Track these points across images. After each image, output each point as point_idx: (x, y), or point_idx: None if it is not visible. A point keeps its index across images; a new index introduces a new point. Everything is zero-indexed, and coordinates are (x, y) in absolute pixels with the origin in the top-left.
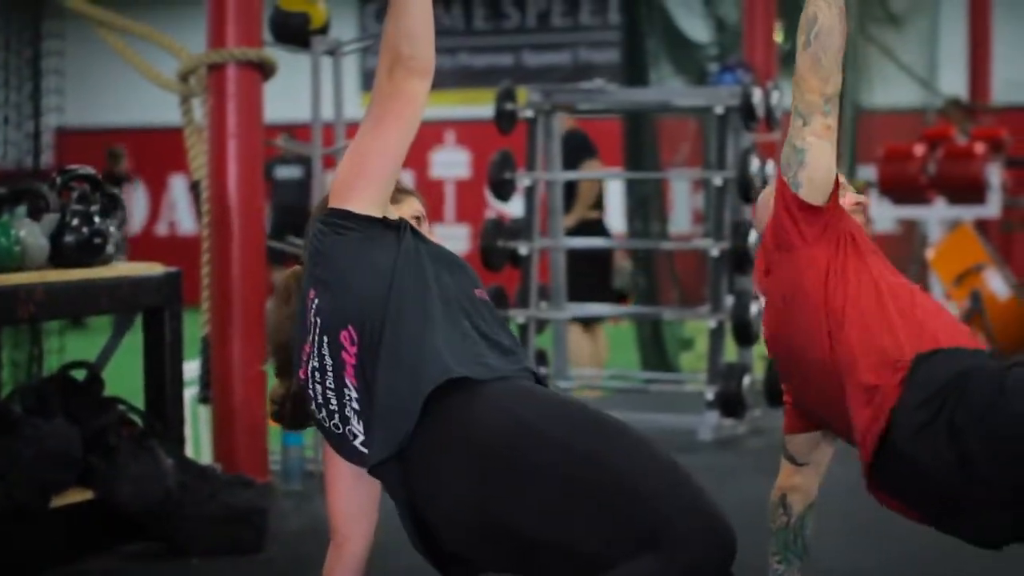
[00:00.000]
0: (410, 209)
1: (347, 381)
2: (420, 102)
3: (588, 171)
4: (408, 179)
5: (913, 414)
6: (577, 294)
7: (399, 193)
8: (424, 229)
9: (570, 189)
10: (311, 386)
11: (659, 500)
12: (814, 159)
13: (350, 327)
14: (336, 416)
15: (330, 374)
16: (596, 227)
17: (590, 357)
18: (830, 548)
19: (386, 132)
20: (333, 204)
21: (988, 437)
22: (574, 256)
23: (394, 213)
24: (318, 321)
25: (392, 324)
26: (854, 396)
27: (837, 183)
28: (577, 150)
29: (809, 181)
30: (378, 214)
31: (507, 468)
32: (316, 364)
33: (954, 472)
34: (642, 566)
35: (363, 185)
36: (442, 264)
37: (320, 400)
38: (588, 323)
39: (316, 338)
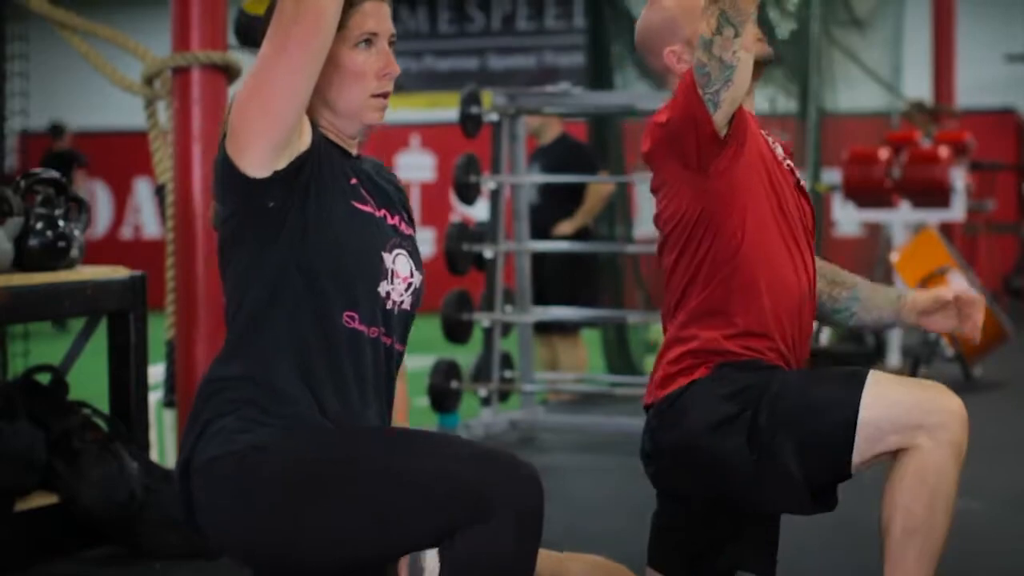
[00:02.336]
0: (357, 30)
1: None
2: (329, 25)
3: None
4: None
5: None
6: (563, 298)
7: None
8: (380, 47)
9: (572, 195)
10: None
11: (460, 483)
12: (741, 77)
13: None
14: None
15: None
16: (590, 234)
17: (572, 366)
18: (810, 550)
19: (292, 64)
20: (229, 149)
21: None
22: (560, 261)
23: (305, 138)
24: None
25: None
26: (671, 344)
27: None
28: (583, 158)
29: (731, 102)
30: (273, 169)
31: (289, 507)
32: None
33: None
34: (471, 542)
35: (264, 130)
36: (325, 273)
37: None
38: (567, 330)
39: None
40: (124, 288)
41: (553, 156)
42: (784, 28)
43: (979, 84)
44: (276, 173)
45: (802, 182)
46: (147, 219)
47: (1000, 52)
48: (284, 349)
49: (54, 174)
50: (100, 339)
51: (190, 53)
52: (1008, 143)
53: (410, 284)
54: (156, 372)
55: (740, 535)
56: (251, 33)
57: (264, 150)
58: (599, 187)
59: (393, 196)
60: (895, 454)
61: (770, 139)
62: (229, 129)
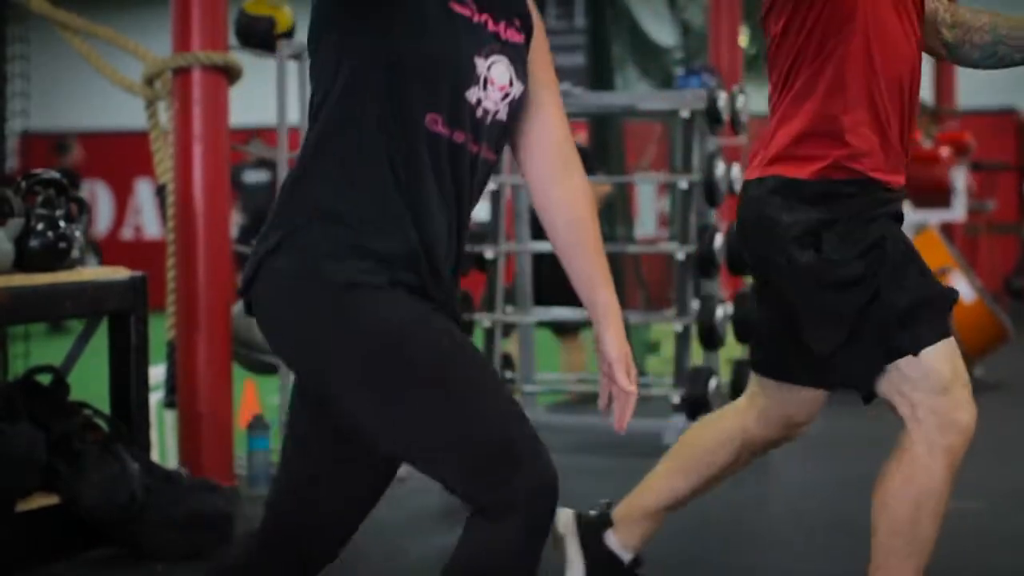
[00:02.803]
0: None
1: None
2: None
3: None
4: None
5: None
6: (563, 299)
7: None
8: None
9: None
10: None
11: (493, 443)
12: None
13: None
14: None
15: None
16: None
17: (570, 366)
18: (812, 549)
19: None
20: None
21: None
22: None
23: None
24: None
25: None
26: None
27: None
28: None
29: None
30: None
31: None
32: None
33: None
34: (485, 533)
35: None
36: (411, 63)
37: None
38: (565, 331)
39: None
40: (125, 289)
41: None
42: None
43: (980, 84)
44: None
45: None
46: (148, 220)
47: None
48: (365, 151)
49: (55, 175)
50: (101, 340)
51: (191, 54)
52: (1009, 143)
53: (507, 94)
54: (157, 373)
55: None
56: (252, 33)
57: None
58: (596, 188)
59: (501, 2)
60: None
61: None
62: None
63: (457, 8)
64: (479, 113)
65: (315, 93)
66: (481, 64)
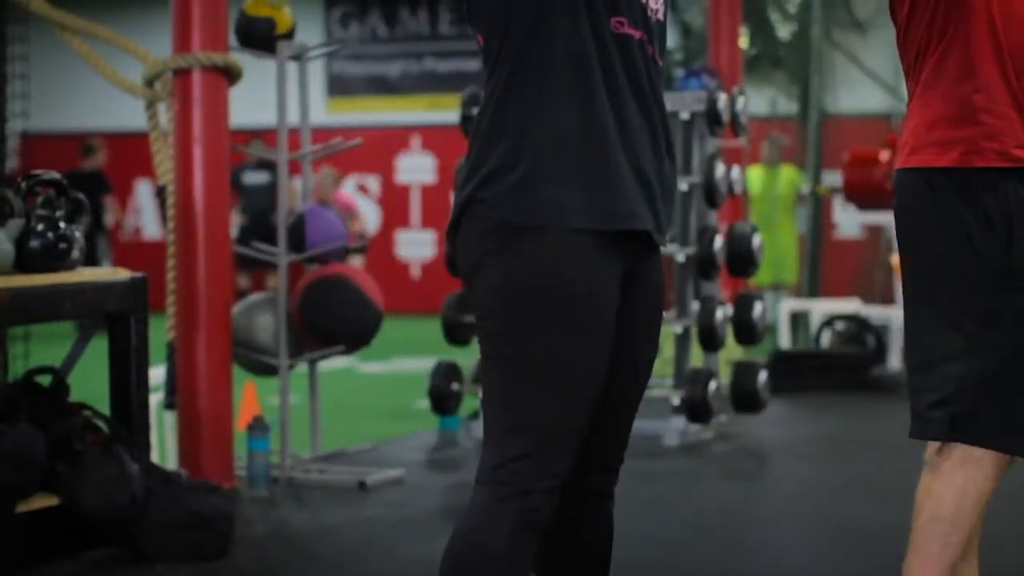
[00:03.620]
0: None
1: None
2: None
3: None
4: (374, 185)
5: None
6: None
7: None
8: None
9: None
10: None
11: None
12: None
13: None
14: None
15: None
16: None
17: None
18: (811, 551)
19: None
20: None
21: None
22: None
23: None
24: None
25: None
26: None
27: None
28: None
29: None
30: None
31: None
32: None
33: None
34: (473, 532)
35: None
36: None
37: None
38: None
39: None
40: (125, 290)
41: None
42: (785, 31)
43: None
44: None
45: None
46: (148, 220)
47: None
48: (557, 69)
49: (55, 175)
50: (101, 341)
51: (191, 54)
52: None
53: None
54: (157, 374)
55: None
56: (252, 34)
57: None
58: None
59: None
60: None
61: None
62: None
63: None
64: (649, 12)
65: (490, 31)
66: None
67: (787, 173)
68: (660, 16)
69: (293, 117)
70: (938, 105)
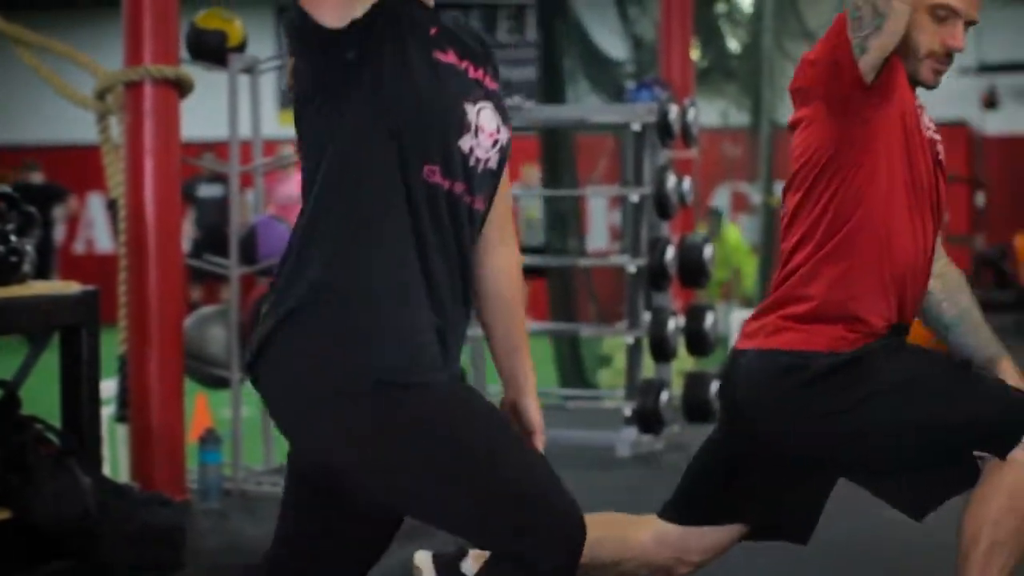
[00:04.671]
0: None
1: None
2: None
3: None
4: None
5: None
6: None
7: None
8: None
9: None
10: None
11: (525, 501)
12: (892, 27)
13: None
14: None
15: None
16: None
17: None
18: (758, 563)
19: None
20: (304, 2)
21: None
22: None
23: None
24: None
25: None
26: (786, 299)
27: (893, 59)
28: None
29: (878, 50)
30: (350, 18)
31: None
32: None
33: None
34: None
35: None
36: (406, 120)
37: None
38: None
39: None
40: (76, 303)
41: None
42: (736, 42)
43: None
44: (354, 22)
45: (941, 156)
46: (100, 233)
47: (953, 65)
48: (365, 213)
49: (6, 189)
50: (52, 354)
51: (142, 67)
52: (959, 156)
53: (496, 140)
54: (108, 387)
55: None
56: (203, 47)
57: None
58: None
59: (476, 49)
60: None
61: (920, 108)
62: None
63: (441, 57)
64: (472, 162)
65: (308, 164)
66: (471, 111)
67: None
68: (491, 164)
69: (245, 130)
70: (814, 302)
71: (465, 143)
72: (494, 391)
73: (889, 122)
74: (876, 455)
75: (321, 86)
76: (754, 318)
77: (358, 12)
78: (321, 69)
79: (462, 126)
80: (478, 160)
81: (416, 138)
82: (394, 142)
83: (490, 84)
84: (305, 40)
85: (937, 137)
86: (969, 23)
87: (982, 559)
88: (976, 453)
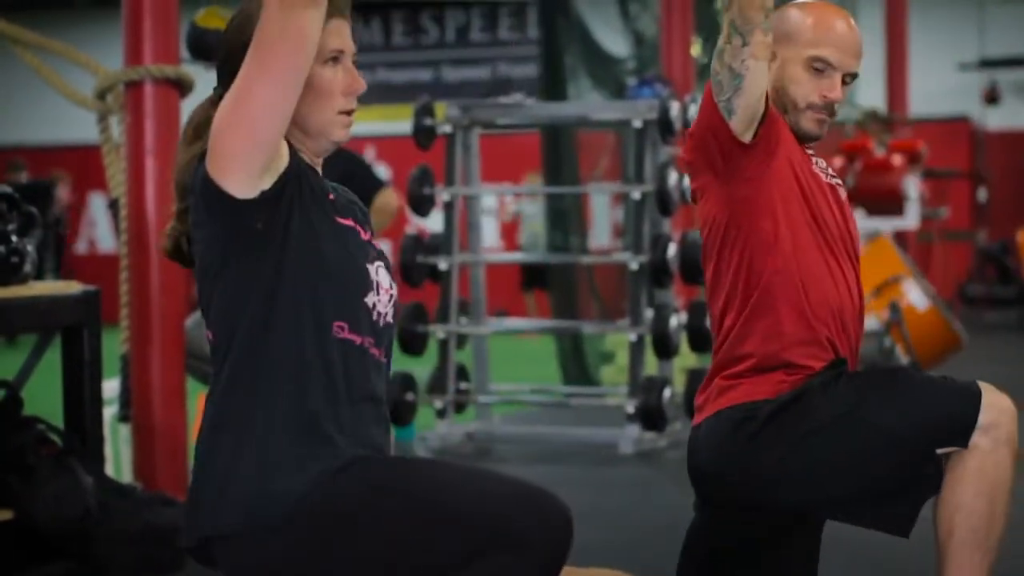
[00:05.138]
0: (329, 47)
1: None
2: (313, 41)
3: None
4: None
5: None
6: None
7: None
8: (347, 65)
9: None
10: None
11: (489, 512)
12: (752, 84)
13: (212, 335)
14: None
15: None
16: None
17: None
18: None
19: (274, 80)
20: (212, 172)
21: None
22: None
23: (283, 160)
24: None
25: (243, 366)
26: (726, 363)
27: (770, 113)
28: (362, 171)
29: (745, 109)
30: (259, 189)
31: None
32: None
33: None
34: (500, 565)
35: (247, 152)
36: (314, 267)
37: None
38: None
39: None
40: (78, 303)
41: (328, 170)
42: None
43: (932, 92)
44: (263, 193)
45: (844, 198)
46: (102, 233)
47: (952, 60)
48: (285, 372)
49: (6, 189)
50: (54, 354)
51: (143, 67)
52: (961, 151)
53: (391, 295)
54: (111, 387)
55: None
56: (203, 47)
57: (250, 170)
58: (385, 200)
59: (361, 213)
60: (950, 454)
61: (811, 153)
62: (211, 152)
63: (342, 221)
64: (375, 316)
65: (220, 333)
66: (371, 270)
67: None
68: (389, 318)
69: None
70: (750, 360)
71: (370, 300)
72: (495, 390)
73: (780, 174)
74: (840, 486)
75: (232, 254)
76: (700, 391)
77: (267, 183)
78: (230, 238)
79: (367, 285)
80: (380, 315)
81: (327, 301)
82: (306, 305)
83: (376, 244)
84: (211, 208)
85: (837, 181)
86: (848, 75)
87: (960, 548)
88: (940, 451)
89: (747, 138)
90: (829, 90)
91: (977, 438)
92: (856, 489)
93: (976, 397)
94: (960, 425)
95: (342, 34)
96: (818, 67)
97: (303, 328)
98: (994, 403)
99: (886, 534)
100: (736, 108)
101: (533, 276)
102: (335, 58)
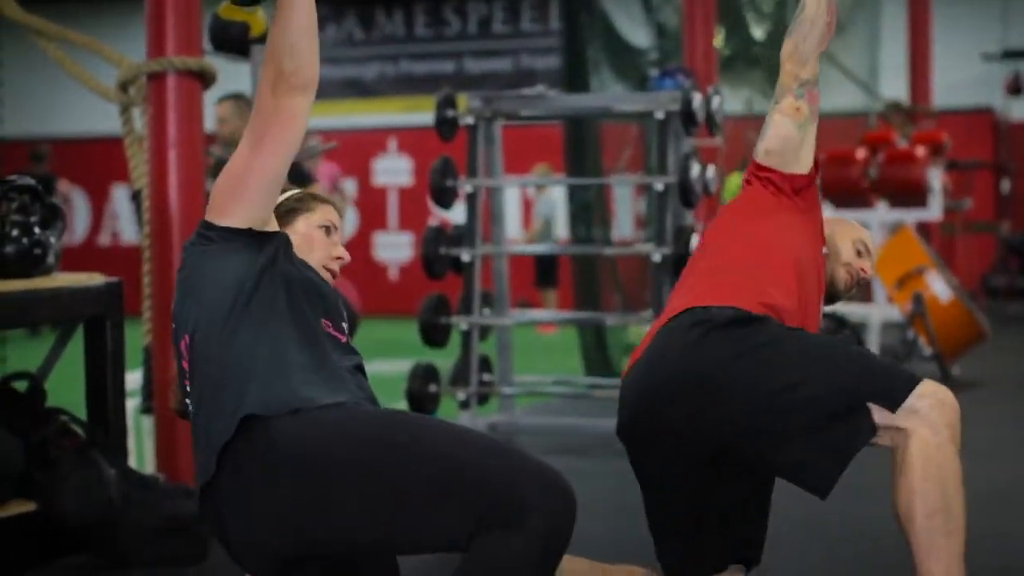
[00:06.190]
0: (321, 218)
1: (189, 392)
2: (302, 121)
3: None
4: (350, 187)
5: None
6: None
7: (313, 201)
8: (335, 239)
9: None
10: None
11: (493, 478)
12: (773, 133)
13: (187, 337)
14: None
15: (185, 382)
16: None
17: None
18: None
19: (266, 153)
20: (208, 217)
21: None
22: None
23: (273, 226)
24: (174, 326)
25: (222, 340)
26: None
27: (816, 170)
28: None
29: (765, 152)
30: (248, 227)
31: (321, 489)
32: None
33: None
34: (499, 542)
35: (240, 204)
36: (298, 287)
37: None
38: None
39: (175, 340)
40: (101, 295)
41: None
42: (760, 30)
43: (955, 83)
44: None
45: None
46: (125, 225)
47: (976, 51)
48: (287, 349)
49: (30, 181)
50: (77, 346)
51: (165, 59)
52: (985, 142)
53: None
54: (134, 378)
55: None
56: (226, 38)
57: (244, 222)
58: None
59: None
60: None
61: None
62: (209, 212)
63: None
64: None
65: (195, 335)
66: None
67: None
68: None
69: None
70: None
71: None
72: (518, 381)
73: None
74: (774, 409)
75: (251, 291)
76: None
77: (261, 224)
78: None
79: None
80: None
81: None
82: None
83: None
84: (229, 239)
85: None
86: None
87: (923, 533)
88: (870, 404)
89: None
90: (864, 269)
91: (915, 424)
92: (789, 419)
93: (914, 381)
94: (893, 388)
95: (336, 216)
96: (859, 249)
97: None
98: (934, 393)
99: (808, 492)
100: (760, 152)
101: (546, 272)
102: (327, 228)
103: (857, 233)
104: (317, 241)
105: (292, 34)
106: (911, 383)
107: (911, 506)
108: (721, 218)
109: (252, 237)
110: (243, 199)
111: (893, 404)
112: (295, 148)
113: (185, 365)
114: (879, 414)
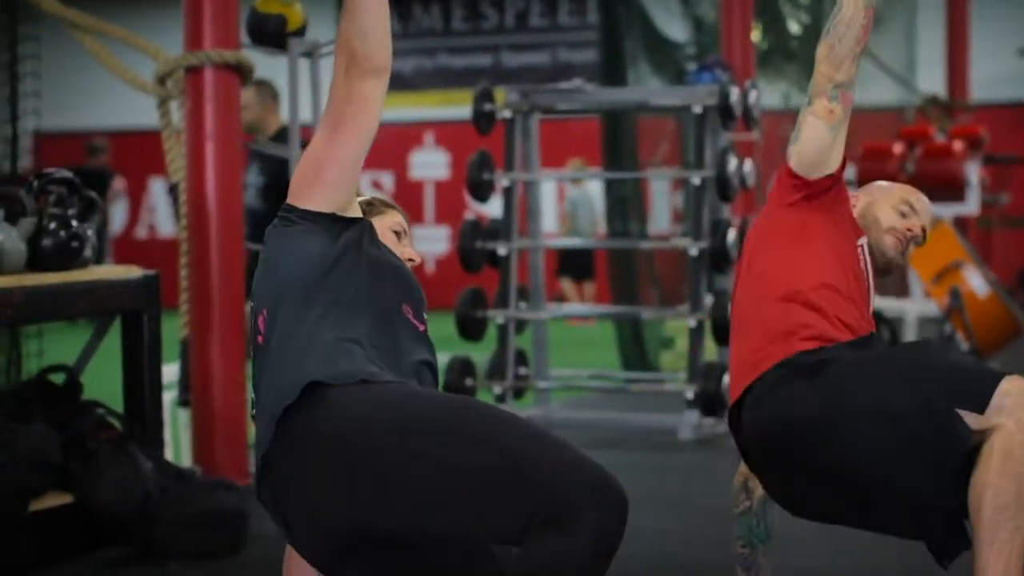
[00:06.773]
0: (391, 222)
1: (261, 366)
2: (377, 105)
3: None
4: (387, 181)
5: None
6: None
7: (383, 206)
8: (405, 242)
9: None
10: None
11: (548, 476)
12: (806, 136)
13: (265, 311)
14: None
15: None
16: None
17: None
18: (802, 549)
19: (343, 140)
20: (290, 202)
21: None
22: None
23: (356, 213)
24: (253, 303)
25: (297, 312)
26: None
27: (842, 167)
28: None
29: (798, 155)
30: (331, 211)
31: (377, 467)
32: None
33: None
34: (551, 544)
35: (320, 190)
36: (384, 271)
37: None
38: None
39: (253, 317)
40: (138, 287)
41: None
42: (797, 24)
43: (993, 78)
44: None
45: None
46: (162, 218)
47: (1014, 46)
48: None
49: (67, 174)
50: (114, 338)
51: (203, 52)
52: (1022, 136)
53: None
54: (170, 371)
55: None
56: (263, 32)
57: (325, 206)
58: None
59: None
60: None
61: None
62: (290, 197)
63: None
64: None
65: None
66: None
67: None
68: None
69: (305, 114)
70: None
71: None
72: (555, 375)
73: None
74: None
75: (331, 267)
76: None
77: (342, 209)
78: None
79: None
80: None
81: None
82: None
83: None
84: (313, 220)
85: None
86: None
87: (988, 526)
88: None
89: (809, 176)
90: (911, 228)
91: (1002, 419)
92: (884, 458)
93: (998, 378)
94: (977, 396)
95: (404, 223)
96: (902, 210)
97: (377, 301)
98: (1020, 390)
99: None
100: (791, 154)
101: (573, 264)
102: (398, 233)
103: (898, 195)
104: (389, 242)
105: (362, 18)
106: (995, 381)
107: (982, 497)
108: (765, 239)
109: (334, 221)
110: (323, 185)
111: (981, 406)
112: (372, 132)
113: (260, 340)
114: (970, 418)
